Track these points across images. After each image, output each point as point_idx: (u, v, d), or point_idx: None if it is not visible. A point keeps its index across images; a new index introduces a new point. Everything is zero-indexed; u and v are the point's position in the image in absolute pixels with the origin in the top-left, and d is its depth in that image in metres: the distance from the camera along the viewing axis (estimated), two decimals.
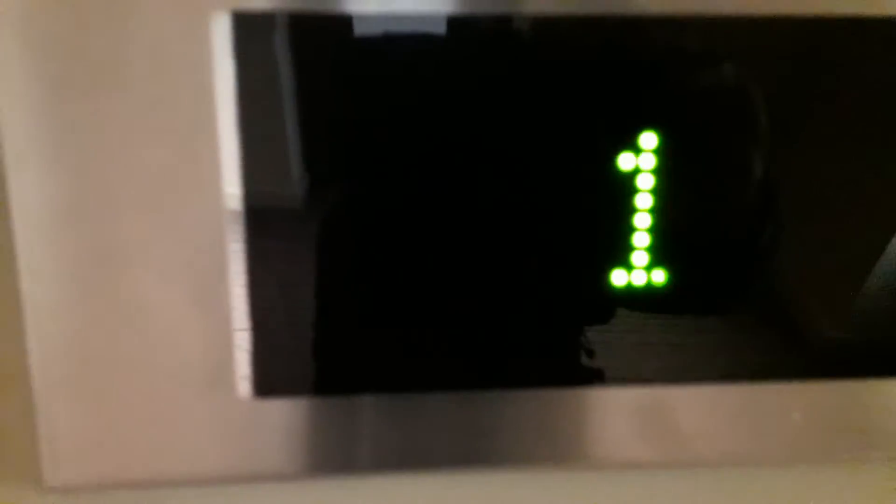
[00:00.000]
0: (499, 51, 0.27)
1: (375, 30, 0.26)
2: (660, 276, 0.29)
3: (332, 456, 0.30)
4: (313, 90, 0.27)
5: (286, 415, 0.29)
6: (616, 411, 0.30)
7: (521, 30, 0.27)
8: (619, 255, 0.29)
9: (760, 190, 0.29)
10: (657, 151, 0.28)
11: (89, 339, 0.28)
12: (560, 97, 0.27)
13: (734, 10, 0.27)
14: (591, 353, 0.30)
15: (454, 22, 0.26)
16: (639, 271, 0.29)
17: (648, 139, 0.28)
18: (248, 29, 0.26)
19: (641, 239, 0.29)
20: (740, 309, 0.30)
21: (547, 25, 0.27)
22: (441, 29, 0.27)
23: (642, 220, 0.29)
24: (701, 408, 0.31)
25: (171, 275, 0.27)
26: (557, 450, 0.30)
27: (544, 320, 0.30)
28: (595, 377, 0.30)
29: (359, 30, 0.26)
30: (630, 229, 0.29)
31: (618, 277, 0.29)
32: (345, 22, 0.26)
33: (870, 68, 0.28)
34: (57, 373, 0.28)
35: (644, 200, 0.28)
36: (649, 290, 0.29)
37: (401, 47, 0.27)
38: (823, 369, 0.31)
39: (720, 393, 0.31)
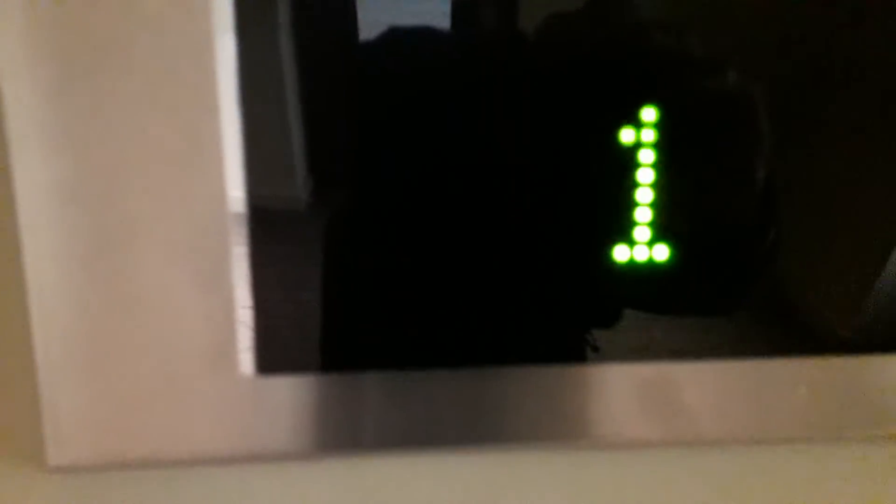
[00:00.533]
0: (505, 26, 0.27)
1: (381, 10, 0.26)
2: (663, 252, 0.29)
3: (336, 434, 0.30)
4: (317, 71, 0.27)
5: (290, 392, 0.29)
6: (622, 388, 0.30)
7: (528, 7, 0.27)
8: (622, 229, 0.29)
9: (766, 178, 0.29)
10: (658, 125, 0.28)
11: (92, 318, 0.28)
12: (564, 78, 0.28)
13: None
14: (596, 329, 0.30)
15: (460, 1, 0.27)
16: (641, 247, 0.29)
17: (649, 113, 0.28)
18: (249, 7, 0.26)
19: (644, 214, 0.29)
20: (747, 303, 0.30)
21: (553, 4, 0.27)
22: (447, 8, 0.27)
23: (644, 195, 0.29)
24: (707, 384, 0.31)
25: (174, 254, 0.27)
26: (563, 427, 0.30)
27: (548, 296, 0.30)
28: (601, 353, 0.30)
29: (364, 10, 0.26)
30: (632, 204, 0.29)
31: (620, 253, 0.29)
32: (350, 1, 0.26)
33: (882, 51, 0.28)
34: (61, 353, 0.28)
35: (646, 175, 0.28)
36: (652, 266, 0.29)
37: (408, 28, 0.27)
38: (831, 346, 0.31)
39: (727, 369, 0.31)
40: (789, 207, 0.29)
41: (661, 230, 0.29)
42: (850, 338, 0.31)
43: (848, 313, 0.31)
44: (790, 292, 0.31)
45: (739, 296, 0.30)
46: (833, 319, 0.31)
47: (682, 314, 0.30)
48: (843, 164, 0.29)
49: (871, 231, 0.30)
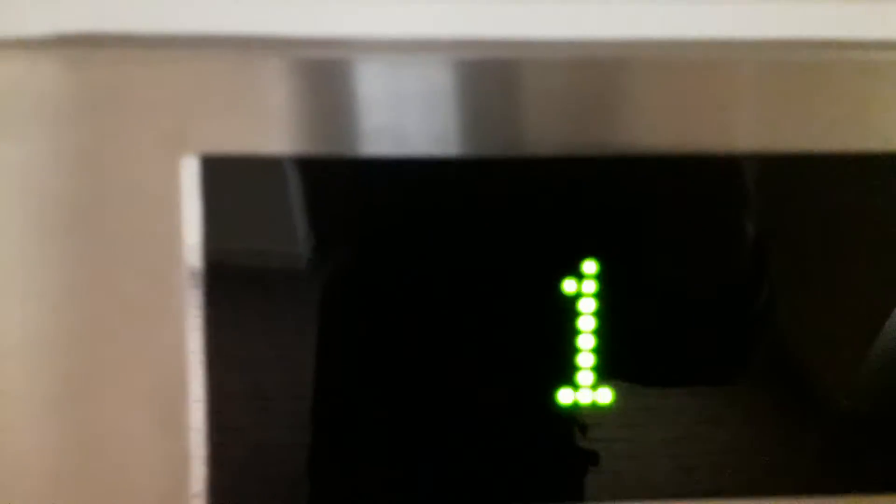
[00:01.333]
0: (467, 188, 0.29)
1: (344, 174, 0.28)
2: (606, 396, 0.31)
3: None
4: (281, 231, 0.29)
5: None
6: None
7: (493, 170, 0.29)
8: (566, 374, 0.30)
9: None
10: (599, 277, 0.30)
11: (53, 462, 0.29)
12: (523, 229, 0.29)
13: (696, 148, 0.29)
14: (567, 472, 0.31)
15: (428, 163, 0.28)
16: (585, 390, 0.30)
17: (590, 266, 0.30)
18: (215, 171, 0.27)
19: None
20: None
21: (505, 167, 0.29)
22: (414, 168, 0.28)
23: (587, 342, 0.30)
24: None
25: (134, 402, 0.28)
26: None
27: (509, 441, 0.31)
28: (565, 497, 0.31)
29: (326, 173, 0.28)
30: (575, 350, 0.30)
31: (565, 396, 0.30)
32: (304, 165, 0.28)
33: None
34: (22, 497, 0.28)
35: (588, 323, 0.30)
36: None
37: (362, 191, 0.29)
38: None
39: None
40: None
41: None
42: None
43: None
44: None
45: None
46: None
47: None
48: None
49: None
